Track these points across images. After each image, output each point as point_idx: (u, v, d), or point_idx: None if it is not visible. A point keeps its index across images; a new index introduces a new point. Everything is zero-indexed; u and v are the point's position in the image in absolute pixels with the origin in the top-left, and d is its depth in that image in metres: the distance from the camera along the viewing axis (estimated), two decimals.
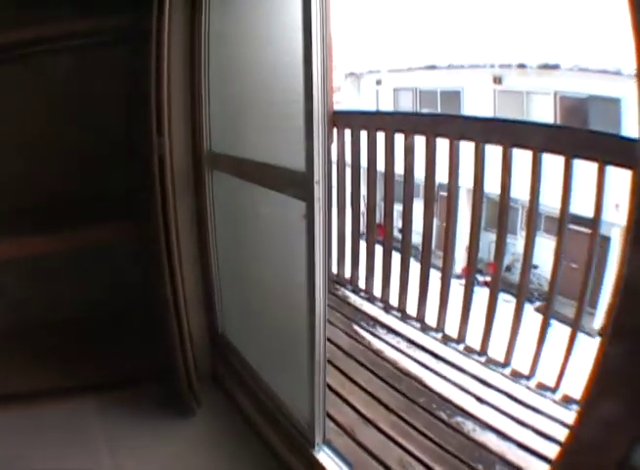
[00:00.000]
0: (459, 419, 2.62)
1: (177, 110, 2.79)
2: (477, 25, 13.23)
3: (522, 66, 12.17)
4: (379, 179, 3.79)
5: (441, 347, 3.27)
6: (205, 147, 2.87)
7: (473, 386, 2.87)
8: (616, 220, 9.68)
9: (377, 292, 3.99)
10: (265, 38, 2.33)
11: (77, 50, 3.07)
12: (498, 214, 3.05)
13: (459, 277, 11.79)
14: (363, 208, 4.05)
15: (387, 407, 2.72)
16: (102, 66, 3.14)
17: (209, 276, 3.11)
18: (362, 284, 4.12)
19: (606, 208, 2.61)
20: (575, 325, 2.79)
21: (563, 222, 2.77)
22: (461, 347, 3.27)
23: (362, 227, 4.18)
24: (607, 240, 10.88)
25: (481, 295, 3.26)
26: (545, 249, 3.11)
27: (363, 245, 4.06)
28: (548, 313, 2.88)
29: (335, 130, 4.05)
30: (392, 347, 3.28)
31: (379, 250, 3.88)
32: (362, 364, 3.10)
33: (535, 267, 11.50)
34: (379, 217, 4.11)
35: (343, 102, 17.98)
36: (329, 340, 3.27)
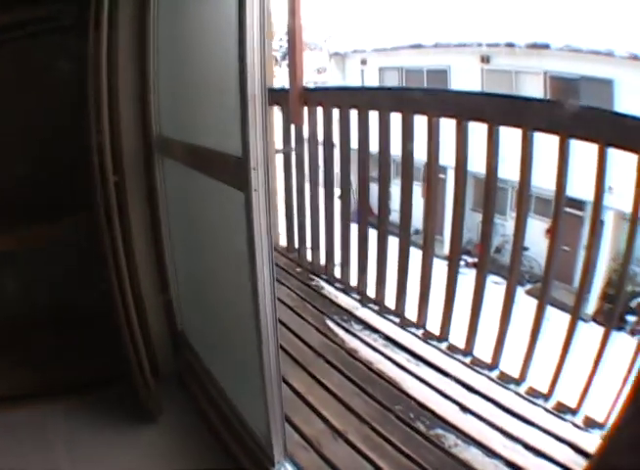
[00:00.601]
0: (439, 431, 2.35)
1: (126, 95, 2.60)
2: (464, 3, 13.00)
3: (510, 45, 11.97)
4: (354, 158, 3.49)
5: (422, 345, 2.99)
6: (154, 131, 2.64)
7: (455, 392, 2.60)
8: (609, 204, 9.58)
9: (353, 282, 3.71)
10: (211, 17, 2.15)
11: (22, 38, 2.86)
12: (484, 195, 2.77)
13: (448, 259, 11.74)
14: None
15: (359, 417, 2.45)
16: (45, 52, 2.89)
17: (165, 271, 2.87)
18: (338, 273, 3.84)
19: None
20: (575, 316, 2.50)
21: (559, 203, 2.52)
22: (443, 345, 3.00)
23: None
24: (600, 223, 10.69)
25: (469, 278, 2.97)
26: (536, 230, 2.83)
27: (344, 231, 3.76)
28: (543, 301, 2.60)
29: (305, 109, 3.81)
30: (368, 345, 3.01)
31: (357, 235, 3.59)
32: (333, 366, 2.82)
33: (526, 249, 11.41)
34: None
35: (329, 82, 18.05)
36: (298, 337, 3.05)
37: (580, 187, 2.94)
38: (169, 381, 2.88)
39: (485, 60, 12.76)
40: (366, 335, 3.10)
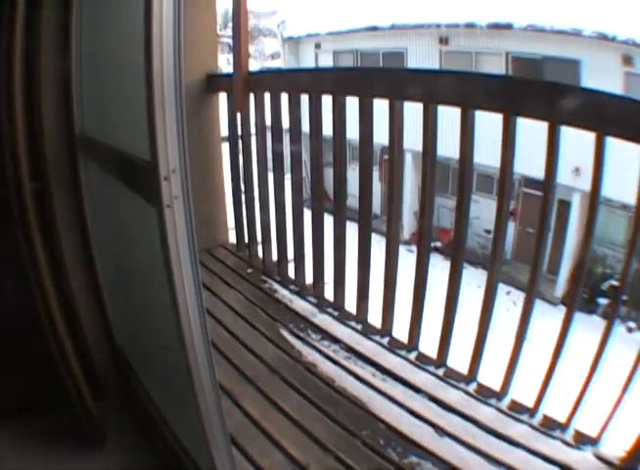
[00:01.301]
0: (414, 459, 2.11)
1: (49, 92, 2.30)
2: None
3: (470, 25, 11.93)
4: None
5: (388, 356, 2.74)
6: (77, 129, 2.33)
7: (430, 411, 2.35)
8: (576, 185, 9.72)
9: (310, 282, 3.46)
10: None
11: None
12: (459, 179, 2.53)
13: (407, 243, 11.82)
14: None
15: (321, 445, 2.20)
16: None
17: (99, 286, 2.58)
18: (293, 273, 3.57)
19: (563, 171, 2.21)
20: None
21: (504, 182, 2.33)
22: (413, 355, 2.74)
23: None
24: (567, 205, 10.81)
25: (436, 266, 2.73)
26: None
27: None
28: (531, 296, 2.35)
29: (252, 96, 3.53)
30: (328, 358, 2.74)
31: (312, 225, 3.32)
32: (291, 385, 2.56)
33: (489, 232, 11.49)
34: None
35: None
36: (250, 351, 2.80)
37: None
38: (113, 400, 2.61)
39: (444, 41, 12.85)
40: (325, 346, 2.83)
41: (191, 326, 1.57)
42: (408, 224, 13.13)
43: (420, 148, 2.52)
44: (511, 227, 11.57)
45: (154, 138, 1.43)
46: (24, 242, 2.19)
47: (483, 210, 10.07)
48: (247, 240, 3.97)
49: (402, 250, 2.94)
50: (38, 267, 2.23)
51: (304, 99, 3.15)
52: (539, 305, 2.38)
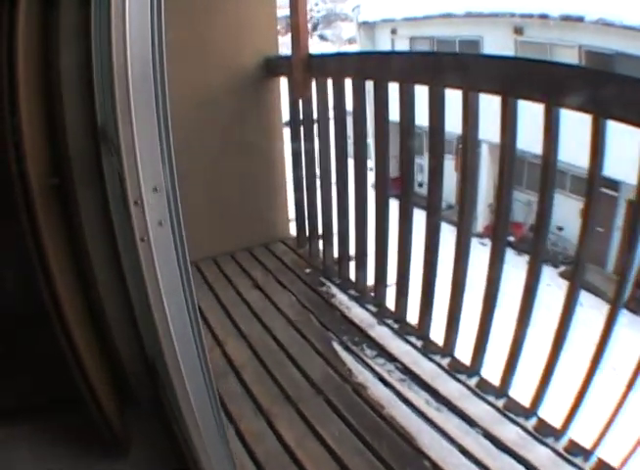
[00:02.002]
0: None
1: (70, 83, 2.19)
2: None
3: (544, 16, 11.72)
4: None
5: (446, 381, 2.55)
6: (99, 122, 2.24)
7: (482, 449, 2.16)
8: None
9: (371, 284, 3.30)
10: None
11: None
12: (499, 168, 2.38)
13: (480, 236, 11.54)
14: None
15: None
16: None
17: (127, 288, 2.47)
18: (353, 274, 3.43)
19: None
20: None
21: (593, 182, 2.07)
22: (473, 381, 2.55)
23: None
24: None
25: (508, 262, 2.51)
26: (571, 210, 2.38)
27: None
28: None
29: (314, 83, 3.39)
30: (381, 379, 2.58)
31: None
32: (334, 408, 2.42)
33: (561, 229, 11.13)
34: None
35: None
36: (295, 365, 2.68)
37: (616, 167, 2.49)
38: (143, 410, 2.55)
39: (519, 31, 12.66)
40: (380, 365, 2.67)
41: (183, 377, 1.43)
42: (482, 216, 12.88)
43: (496, 139, 2.32)
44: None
45: (117, 149, 1.24)
46: (32, 237, 2.12)
47: (555, 205, 9.79)
48: (307, 234, 3.85)
49: (474, 242, 2.72)
50: (48, 268, 2.16)
51: (369, 85, 2.97)
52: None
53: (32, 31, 2.05)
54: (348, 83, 3.10)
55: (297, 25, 3.28)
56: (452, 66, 2.53)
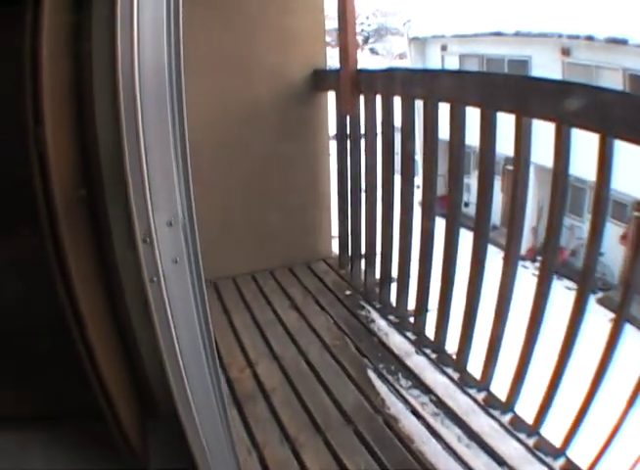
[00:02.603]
0: None
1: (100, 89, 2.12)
2: None
3: (589, 38, 11.91)
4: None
5: (480, 416, 2.52)
6: None
7: None
8: None
9: (412, 308, 3.29)
10: None
11: None
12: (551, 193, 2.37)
13: (522, 259, 11.40)
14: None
15: None
16: None
17: None
18: (394, 298, 3.41)
19: None
20: None
21: None
22: (507, 417, 2.52)
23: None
24: None
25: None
26: (610, 236, 2.34)
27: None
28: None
29: (362, 98, 3.41)
30: (414, 412, 2.56)
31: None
32: (363, 440, 2.40)
33: (600, 255, 10.96)
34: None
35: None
36: (327, 392, 2.68)
37: None
38: (166, 424, 2.57)
39: (566, 52, 12.87)
40: (414, 396, 2.65)
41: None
42: (525, 239, 12.79)
43: (543, 161, 2.44)
44: (620, 252, 11.11)
45: (125, 177, 1.16)
46: (53, 250, 2.10)
47: None
48: (350, 253, 3.85)
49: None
50: (69, 279, 2.17)
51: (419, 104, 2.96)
52: None
53: (59, 31, 2.07)
54: (397, 100, 3.10)
55: (346, 39, 3.30)
56: (505, 89, 2.52)
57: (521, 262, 2.62)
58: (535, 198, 11.16)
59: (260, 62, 3.57)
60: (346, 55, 3.32)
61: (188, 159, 1.23)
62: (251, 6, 3.49)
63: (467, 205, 8.45)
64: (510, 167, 2.69)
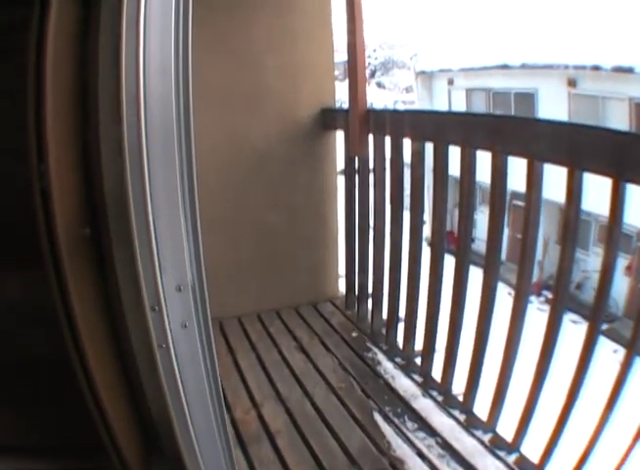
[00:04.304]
0: None
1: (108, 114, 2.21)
2: (550, 22, 13.65)
3: (596, 68, 12.42)
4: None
5: (485, 457, 2.65)
6: None
7: None
8: None
9: (418, 349, 3.44)
10: None
11: None
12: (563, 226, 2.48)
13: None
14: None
15: None
16: None
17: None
18: (401, 340, 3.57)
19: None
20: None
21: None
22: (512, 458, 2.66)
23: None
24: None
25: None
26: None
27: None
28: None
29: (370, 137, 3.58)
30: (419, 454, 2.70)
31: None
32: None
33: None
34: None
35: (415, 102, 19.61)
36: (333, 435, 2.82)
37: None
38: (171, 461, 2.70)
39: (572, 84, 13.45)
40: (420, 439, 2.80)
41: None
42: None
43: (550, 195, 2.59)
44: (625, 283, 11.42)
45: (131, 239, 1.17)
46: (58, 288, 2.09)
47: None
48: (357, 293, 4.03)
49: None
50: (73, 318, 2.28)
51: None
52: None
53: (63, 57, 2.08)
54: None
55: (356, 78, 3.49)
56: (515, 133, 2.68)
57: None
58: (542, 231, 11.37)
59: (269, 97, 3.78)
60: (356, 94, 3.50)
61: (197, 216, 1.22)
62: (260, 42, 3.69)
63: (473, 240, 8.71)
64: (518, 203, 2.84)
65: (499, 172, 2.69)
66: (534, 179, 2.53)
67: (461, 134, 2.96)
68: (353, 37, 3.38)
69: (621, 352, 9.62)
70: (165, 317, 1.21)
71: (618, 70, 11.82)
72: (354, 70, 3.47)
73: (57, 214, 2.02)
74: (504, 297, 2.78)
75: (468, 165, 2.87)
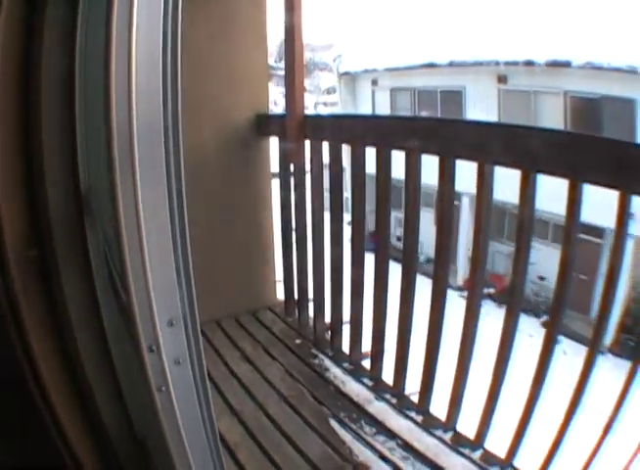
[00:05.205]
0: None
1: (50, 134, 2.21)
2: (480, 19, 14.15)
3: (529, 63, 12.94)
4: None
5: (450, 456, 2.76)
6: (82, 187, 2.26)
7: None
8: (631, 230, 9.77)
9: (366, 351, 3.53)
10: None
11: None
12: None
13: (460, 289, 12.06)
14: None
15: None
16: None
17: (114, 367, 2.60)
18: (347, 345, 3.65)
19: None
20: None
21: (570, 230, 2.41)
22: (477, 454, 2.77)
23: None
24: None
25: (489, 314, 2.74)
26: (554, 260, 2.67)
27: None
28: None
29: (308, 143, 3.63)
30: (382, 458, 2.78)
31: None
32: None
33: (543, 279, 12.45)
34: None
35: (338, 104, 19.86)
36: (292, 445, 2.85)
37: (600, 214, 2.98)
38: None
39: (503, 80, 14.00)
40: (380, 442, 2.88)
41: None
42: (463, 269, 13.89)
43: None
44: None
45: (121, 270, 1.06)
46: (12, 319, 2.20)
47: (539, 255, 10.58)
48: (297, 298, 4.07)
49: (455, 296, 2.95)
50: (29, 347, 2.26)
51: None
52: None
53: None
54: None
55: (293, 84, 3.53)
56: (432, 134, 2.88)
57: (459, 293, 2.88)
58: (471, 227, 11.72)
59: (206, 103, 3.76)
60: (293, 100, 3.54)
61: (188, 242, 1.14)
62: (200, 43, 3.65)
63: (399, 239, 8.93)
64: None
65: (446, 174, 2.79)
66: (446, 174, 2.75)
67: (400, 137, 3.09)
68: (292, 39, 3.41)
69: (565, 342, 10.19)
70: (164, 358, 1.12)
71: (554, 64, 12.27)
72: (292, 75, 3.50)
73: (5, 235, 2.01)
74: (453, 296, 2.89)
75: (414, 172, 2.97)
